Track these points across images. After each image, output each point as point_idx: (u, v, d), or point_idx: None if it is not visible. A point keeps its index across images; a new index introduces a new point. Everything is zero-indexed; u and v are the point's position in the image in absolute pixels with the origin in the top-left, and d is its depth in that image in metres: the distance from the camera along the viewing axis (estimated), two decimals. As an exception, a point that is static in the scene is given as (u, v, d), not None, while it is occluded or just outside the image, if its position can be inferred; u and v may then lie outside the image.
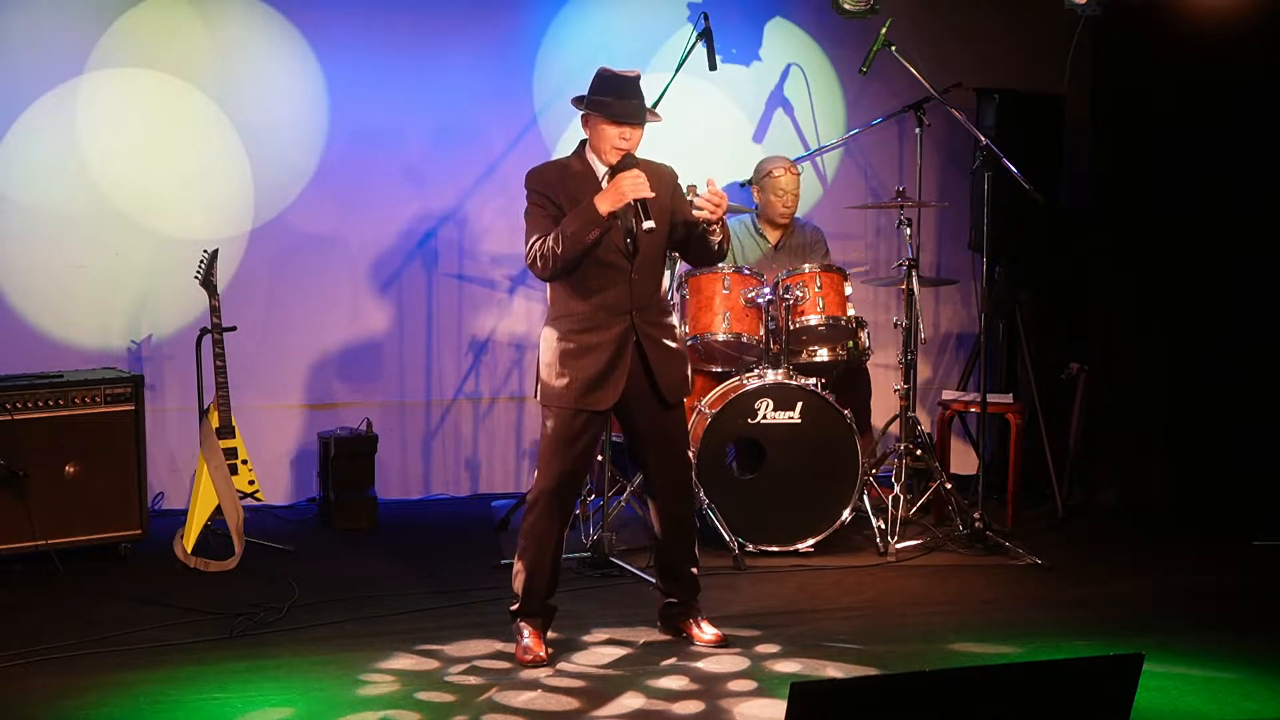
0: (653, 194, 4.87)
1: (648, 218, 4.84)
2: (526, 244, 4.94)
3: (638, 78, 5.01)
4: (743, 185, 7.48)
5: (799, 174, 7.02)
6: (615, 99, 4.94)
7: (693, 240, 5.06)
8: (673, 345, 5.08)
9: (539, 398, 5.07)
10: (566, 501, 5.08)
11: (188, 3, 6.93)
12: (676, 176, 5.14)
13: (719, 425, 6.29)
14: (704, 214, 4.92)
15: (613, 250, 4.93)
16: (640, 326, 4.98)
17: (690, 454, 5.28)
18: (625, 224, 4.95)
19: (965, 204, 7.48)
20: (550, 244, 4.85)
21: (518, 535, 5.11)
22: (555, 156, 7.10)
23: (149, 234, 6.94)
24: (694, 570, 5.25)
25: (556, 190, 4.95)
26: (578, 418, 4.96)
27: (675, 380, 5.07)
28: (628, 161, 4.91)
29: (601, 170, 4.98)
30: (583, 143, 5.06)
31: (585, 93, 5.02)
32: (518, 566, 5.07)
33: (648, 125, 5.02)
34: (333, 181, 7.18)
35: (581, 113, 5.01)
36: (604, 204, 4.84)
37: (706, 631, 5.19)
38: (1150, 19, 7.13)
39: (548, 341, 5.02)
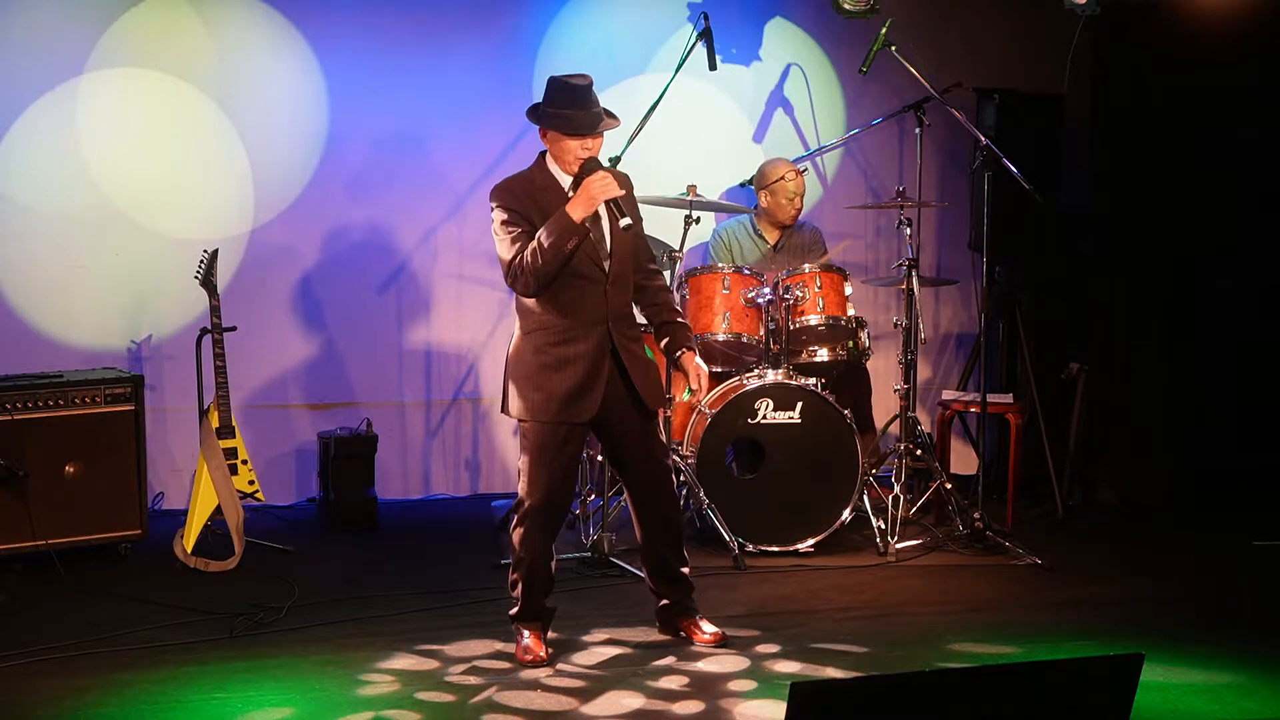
0: (622, 192, 4.87)
1: (623, 215, 4.85)
2: (504, 262, 4.91)
3: (590, 85, 4.94)
4: (743, 185, 7.49)
5: (804, 174, 7.05)
6: (574, 110, 4.90)
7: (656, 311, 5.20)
8: (645, 356, 5.09)
9: (511, 412, 5.02)
10: (556, 513, 5.07)
11: (188, 3, 6.93)
12: (630, 182, 5.10)
13: (719, 425, 6.29)
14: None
15: (587, 262, 4.91)
16: (616, 337, 4.97)
17: (669, 458, 5.27)
18: (597, 232, 4.93)
19: (965, 204, 7.48)
20: (528, 259, 4.81)
21: (509, 545, 5.12)
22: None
23: (149, 234, 6.94)
24: (684, 570, 5.25)
25: (523, 202, 4.90)
26: (559, 430, 4.94)
27: (654, 387, 5.08)
28: (591, 166, 4.88)
29: (565, 181, 4.94)
30: (541, 154, 5.02)
31: (540, 102, 4.98)
32: (514, 576, 5.08)
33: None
34: (332, 181, 7.18)
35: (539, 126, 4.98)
36: (576, 210, 4.81)
37: (706, 631, 5.19)
38: (1150, 19, 7.13)
39: (521, 355, 4.98)
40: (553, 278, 4.85)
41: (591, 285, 4.93)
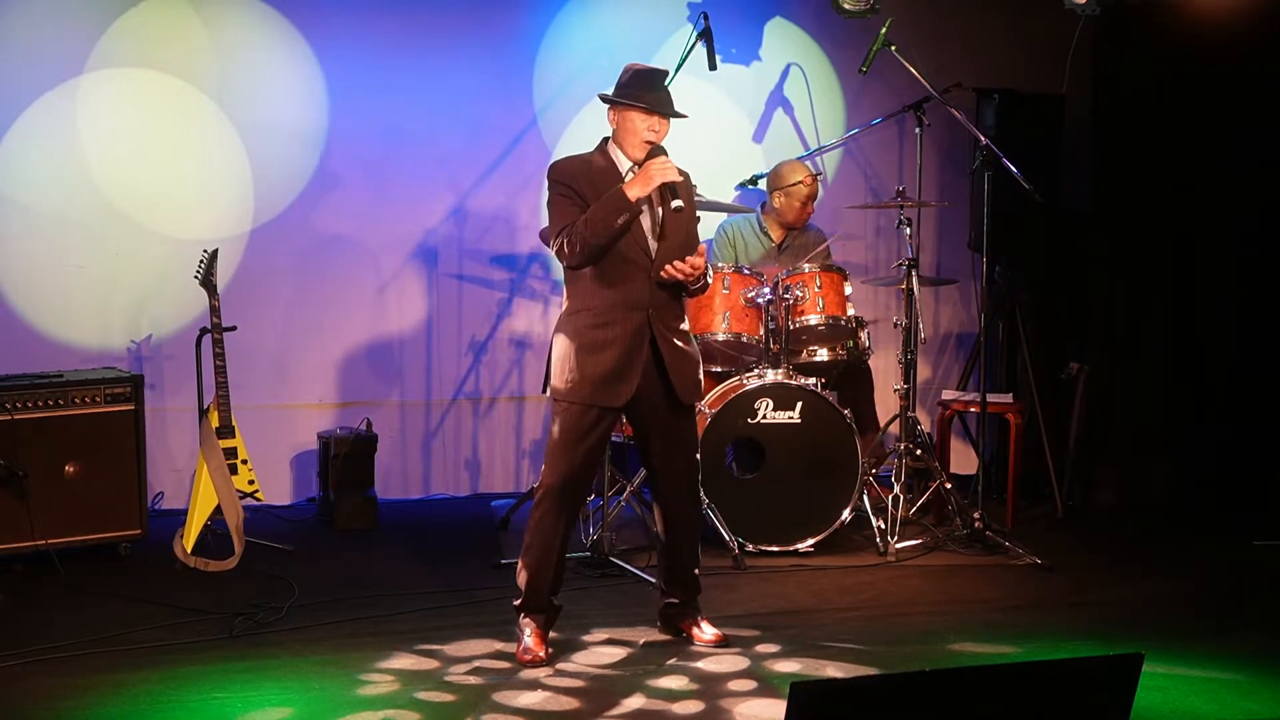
0: (680, 178, 4.95)
1: (675, 197, 4.90)
2: (553, 232, 4.97)
3: (666, 73, 5.09)
4: (748, 185, 7.49)
5: (819, 178, 7.07)
6: (647, 91, 4.99)
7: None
8: (687, 348, 5.09)
9: (549, 393, 5.07)
10: (574, 498, 5.07)
11: (188, 3, 6.93)
12: (691, 182, 5.19)
13: (719, 425, 6.29)
14: (667, 276, 4.93)
15: (634, 247, 4.95)
16: (656, 324, 4.99)
17: (697, 456, 5.28)
18: (652, 215, 4.98)
19: (965, 204, 7.48)
20: (579, 229, 4.88)
21: (524, 531, 5.11)
22: (555, 156, 7.12)
23: (149, 234, 6.94)
24: (696, 571, 5.26)
25: (579, 182, 4.97)
26: (589, 413, 4.97)
27: (689, 381, 5.08)
28: (656, 151, 4.96)
29: (625, 165, 5.01)
30: (605, 139, 5.08)
31: (607, 91, 5.07)
32: (522, 562, 5.07)
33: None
34: (332, 181, 7.18)
35: (610, 106, 5.05)
36: (633, 190, 4.89)
37: (707, 631, 5.19)
38: (1150, 19, 7.13)
39: (563, 336, 5.03)
40: (600, 252, 4.90)
41: (636, 270, 4.96)
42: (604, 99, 5.08)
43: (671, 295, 5.07)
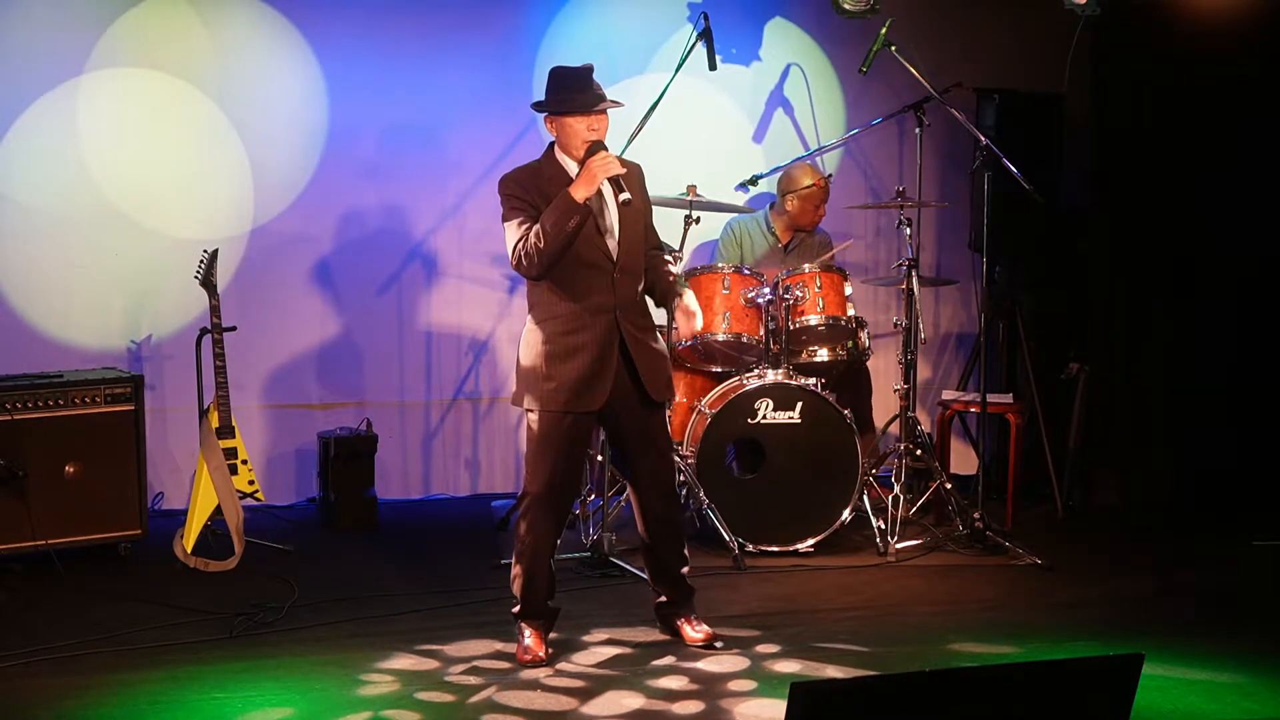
0: (624, 170, 4.91)
1: (622, 190, 4.88)
2: (510, 247, 4.95)
3: (591, 69, 5.03)
4: (748, 185, 7.49)
5: (829, 179, 7.08)
6: (576, 94, 4.96)
7: (655, 278, 5.15)
8: (655, 345, 5.09)
9: (521, 403, 5.03)
10: (559, 505, 5.06)
11: (188, 3, 6.93)
12: (643, 173, 5.16)
13: (719, 425, 6.29)
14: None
15: (594, 250, 4.94)
16: (624, 326, 4.99)
17: (674, 455, 5.26)
18: (605, 221, 4.96)
19: (965, 204, 7.48)
20: (533, 240, 4.86)
21: (513, 537, 5.11)
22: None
23: (149, 234, 6.94)
24: (684, 571, 5.24)
25: (530, 191, 4.95)
26: (565, 419, 4.96)
27: (660, 379, 5.07)
28: (596, 148, 4.92)
29: (573, 169, 4.97)
30: (551, 144, 5.06)
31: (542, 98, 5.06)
32: (515, 570, 5.07)
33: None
34: (332, 181, 7.18)
35: (545, 115, 5.03)
36: (578, 190, 4.86)
37: (696, 630, 5.19)
38: (1150, 19, 7.13)
39: (530, 345, 5.01)
40: (557, 258, 4.88)
41: (599, 274, 4.95)
42: (536, 109, 5.07)
43: (636, 295, 5.06)
